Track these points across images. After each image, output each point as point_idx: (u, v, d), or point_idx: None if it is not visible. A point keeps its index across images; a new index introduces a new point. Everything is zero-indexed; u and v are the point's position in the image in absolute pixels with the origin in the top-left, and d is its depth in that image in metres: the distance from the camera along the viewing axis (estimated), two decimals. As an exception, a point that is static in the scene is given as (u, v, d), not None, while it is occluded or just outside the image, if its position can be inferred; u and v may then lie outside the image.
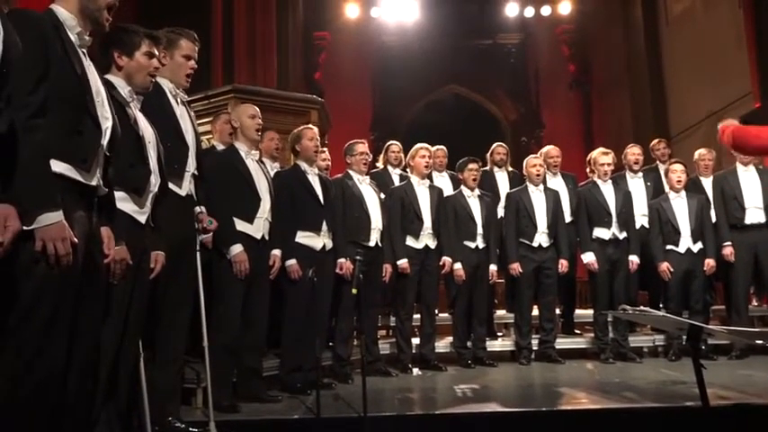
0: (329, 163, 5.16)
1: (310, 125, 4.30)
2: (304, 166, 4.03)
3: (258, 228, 3.54)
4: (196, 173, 3.00)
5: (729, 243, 4.99)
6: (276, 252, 3.67)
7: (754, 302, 5.69)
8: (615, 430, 3.07)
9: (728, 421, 2.98)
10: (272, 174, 4.04)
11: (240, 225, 3.47)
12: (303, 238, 3.91)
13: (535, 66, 14.27)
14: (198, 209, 3.02)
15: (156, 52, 2.59)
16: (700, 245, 4.97)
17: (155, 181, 2.55)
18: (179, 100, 3.00)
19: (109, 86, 2.30)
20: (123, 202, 2.38)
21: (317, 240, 3.96)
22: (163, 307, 2.82)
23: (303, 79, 12.26)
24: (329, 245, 4.05)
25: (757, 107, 7.65)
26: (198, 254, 3.00)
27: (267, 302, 3.64)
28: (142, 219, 2.49)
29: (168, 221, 2.72)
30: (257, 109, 3.72)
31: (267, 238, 3.59)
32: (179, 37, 2.99)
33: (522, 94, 14.28)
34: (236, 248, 3.39)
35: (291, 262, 3.79)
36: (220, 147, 3.99)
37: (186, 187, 2.94)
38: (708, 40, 9.65)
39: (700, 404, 2.25)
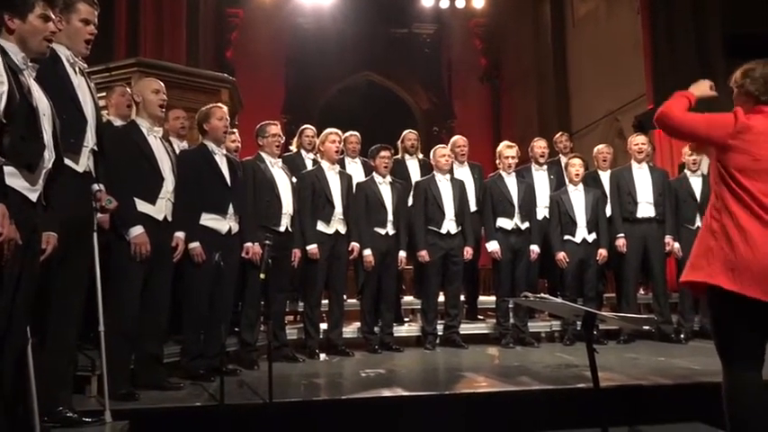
0: (239, 144, 5.03)
1: (220, 104, 4.15)
2: (211, 146, 3.90)
3: (160, 209, 3.40)
4: (96, 149, 2.83)
5: (622, 235, 5.30)
6: (179, 234, 3.54)
7: (641, 291, 6.09)
8: (513, 412, 3.20)
9: (616, 401, 3.18)
10: (178, 152, 3.89)
11: (141, 205, 3.31)
12: (208, 220, 3.79)
13: (448, 57, 14.55)
14: (96, 187, 2.85)
15: (52, 15, 2.40)
16: (594, 236, 5.25)
17: (48, 156, 2.37)
18: (77, 69, 2.80)
19: (0, 52, 2.11)
20: (13, 178, 2.18)
21: (223, 223, 3.85)
22: (55, 290, 2.65)
23: (214, 57, 11.86)
24: (235, 228, 3.94)
25: (650, 108, 8.14)
26: (95, 235, 2.84)
27: (168, 286, 3.51)
28: (33, 197, 2.30)
29: (63, 200, 2.54)
30: (162, 84, 3.55)
31: (170, 219, 3.45)
32: (76, -1, 2.79)
33: (434, 85, 14.52)
34: (137, 230, 3.24)
35: (195, 245, 3.66)
36: (118, 122, 3.76)
37: (84, 163, 2.76)
38: (608, 42, 10.18)
39: (591, 386, 2.38)
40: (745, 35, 6.61)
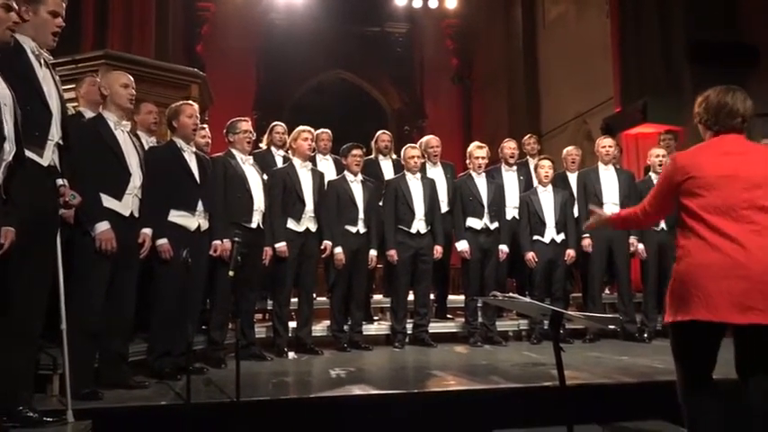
0: (209, 140, 4.97)
1: (190, 101, 4.09)
2: (180, 142, 3.84)
3: (127, 204, 3.34)
4: (61, 143, 2.76)
5: (588, 235, 5.39)
6: (146, 231, 3.48)
7: (606, 291, 6.20)
8: (481, 410, 3.23)
9: (581, 398, 3.22)
10: (147, 148, 3.83)
11: (107, 201, 3.25)
12: (176, 217, 3.73)
13: (420, 57, 14.60)
14: (60, 182, 2.78)
15: (15, 5, 2.34)
16: (563, 236, 5.33)
17: (9, 149, 2.31)
18: (42, 61, 2.73)
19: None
20: (-29, 171, 2.14)
21: (192, 220, 3.80)
22: (17, 287, 2.58)
23: (183, 51, 11.69)
24: (205, 225, 3.90)
25: (618, 111, 8.29)
26: (58, 230, 2.78)
27: (135, 284, 3.45)
28: (-8, 189, 2.25)
29: (25, 194, 2.48)
30: (131, 78, 3.49)
31: (137, 215, 3.39)
32: (44, -10, 2.72)
33: (406, 84, 14.55)
34: (102, 226, 3.17)
35: (163, 241, 3.61)
36: (89, 114, 3.69)
37: (48, 157, 2.70)
38: (578, 46, 10.34)
39: (558, 384, 2.41)
40: (708, 42, 6.77)
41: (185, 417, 2.81)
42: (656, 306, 5.35)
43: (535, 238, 5.31)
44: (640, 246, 5.39)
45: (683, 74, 7.20)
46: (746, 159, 2.31)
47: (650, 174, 5.64)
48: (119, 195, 3.30)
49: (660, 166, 5.53)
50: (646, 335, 5.37)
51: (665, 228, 5.30)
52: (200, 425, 2.89)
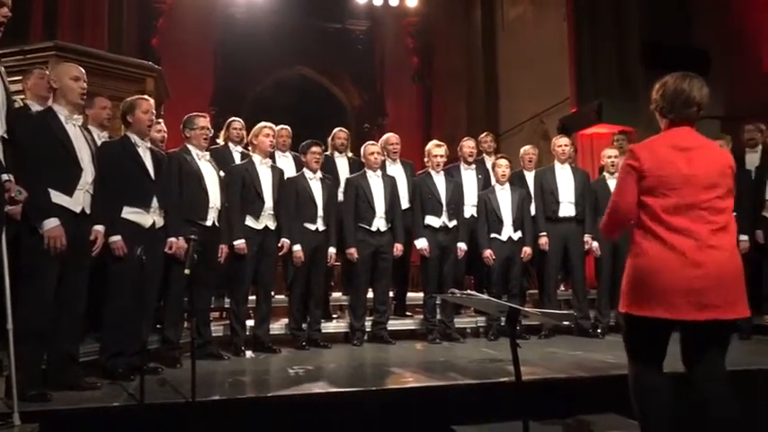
0: (165, 135, 4.88)
1: (146, 96, 4.00)
2: (135, 138, 3.75)
3: (77, 200, 3.24)
4: (6, 136, 2.66)
5: (545, 233, 5.49)
6: (99, 228, 3.39)
7: (562, 288, 6.32)
8: (439, 406, 3.25)
9: (537, 393, 3.28)
10: (99, 143, 3.72)
11: (57, 197, 3.15)
12: (130, 214, 3.65)
13: (381, 54, 14.58)
14: (5, 177, 2.68)
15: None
16: (519, 234, 5.41)
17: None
18: (-14, 52, 2.63)
19: None
20: None
21: (146, 217, 3.72)
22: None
23: (138, 44, 11.39)
24: (159, 222, 3.82)
25: (573, 112, 8.46)
26: (4, 227, 2.68)
27: (86, 282, 3.35)
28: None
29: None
30: (82, 70, 3.39)
31: (88, 212, 3.30)
32: (-13, -22, 2.62)
33: (367, 82, 14.52)
34: (51, 222, 3.07)
35: (116, 238, 3.52)
36: (36, 107, 3.56)
37: (-8, 152, 2.60)
38: (536, 47, 10.50)
39: (514, 379, 2.44)
40: (661, 45, 6.96)
41: (139, 418, 2.75)
42: (610, 302, 5.49)
43: (492, 236, 5.38)
44: (595, 244, 5.51)
45: (636, 76, 7.39)
46: (702, 158, 2.35)
47: (604, 173, 5.77)
48: (69, 191, 3.20)
49: (613, 166, 5.66)
50: (599, 330, 5.50)
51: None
52: (155, 426, 2.84)
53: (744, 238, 5.00)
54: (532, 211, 5.58)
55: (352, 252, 5.07)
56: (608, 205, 2.51)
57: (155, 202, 3.75)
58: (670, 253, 2.28)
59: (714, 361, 2.38)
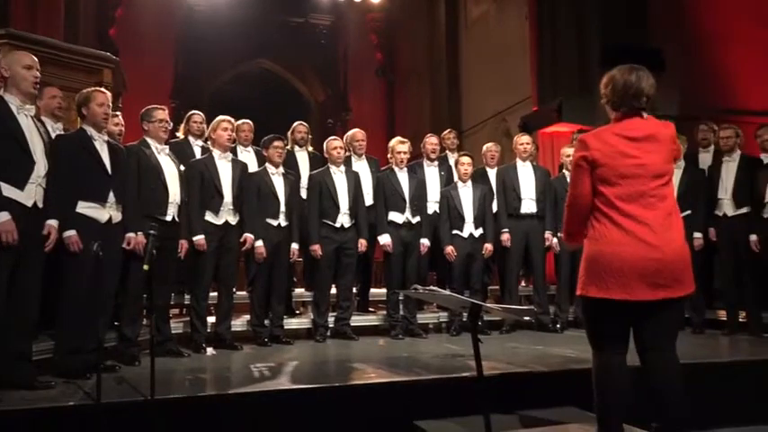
0: (122, 128, 4.76)
1: (102, 88, 3.89)
2: (91, 131, 3.65)
3: (30, 194, 3.14)
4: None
5: (506, 230, 5.56)
6: (52, 222, 3.29)
7: (522, 283, 6.41)
8: (402, 401, 3.27)
9: (498, 388, 3.32)
10: (53, 135, 3.61)
11: (7, 190, 3.05)
12: (86, 208, 3.55)
13: (344, 50, 14.52)
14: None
15: None
16: (481, 230, 5.46)
17: None
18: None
19: None
20: None
21: (103, 212, 3.62)
22: None
23: (95, 34, 11.09)
24: (117, 217, 3.72)
25: (534, 110, 8.57)
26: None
27: (39, 278, 3.25)
28: None
29: None
30: (35, 59, 3.28)
31: (40, 206, 3.20)
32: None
33: (330, 77, 14.45)
34: (2, 217, 2.97)
35: (71, 233, 3.42)
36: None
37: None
38: (498, 46, 10.60)
39: (475, 374, 2.47)
40: (619, 45, 7.10)
41: (95, 418, 2.69)
42: (569, 298, 5.59)
43: (454, 232, 5.42)
44: (555, 240, 5.61)
45: (595, 76, 7.50)
46: (650, 147, 2.44)
47: (564, 171, 5.87)
48: (21, 184, 3.10)
49: (572, 164, 5.76)
50: (559, 325, 5.60)
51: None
52: (112, 426, 2.77)
53: (698, 235, 5.16)
54: (494, 208, 5.64)
55: (316, 249, 5.04)
56: (566, 203, 2.57)
57: (111, 197, 3.66)
58: (627, 237, 2.38)
59: (666, 348, 2.47)
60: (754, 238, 5.00)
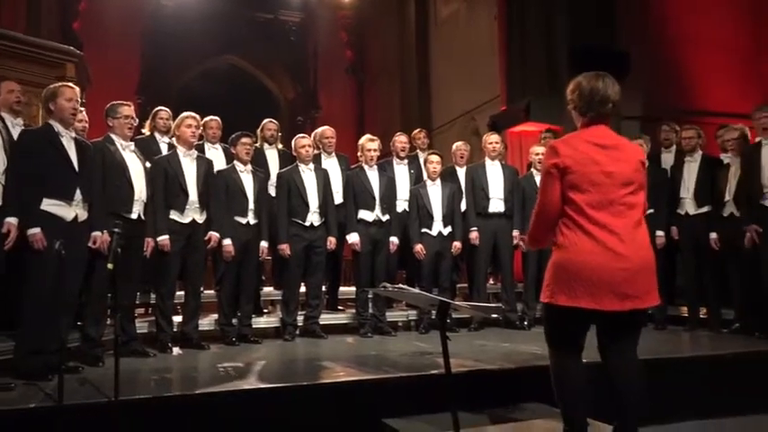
0: (86, 124, 4.66)
1: (70, 83, 3.81)
2: (58, 127, 3.57)
3: (-13, 192, 3.06)
4: None
5: (475, 228, 5.60)
6: (11, 220, 3.21)
7: (491, 281, 6.47)
8: (371, 399, 3.27)
9: (466, 385, 3.35)
10: (13, 131, 3.51)
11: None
12: (51, 206, 3.47)
13: (314, 47, 14.46)
14: None
15: None
16: (450, 229, 5.49)
17: None
18: None
19: None
20: None
21: (68, 210, 3.54)
22: None
23: (58, 27, 10.84)
24: (83, 216, 3.65)
25: (503, 110, 8.65)
26: None
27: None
28: None
29: None
30: (-6, 53, 3.19)
31: (0, 203, 3.11)
32: None
33: (300, 74, 14.38)
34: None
35: (34, 231, 3.35)
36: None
37: None
38: (467, 45, 10.67)
39: (443, 371, 2.48)
40: (586, 47, 7.22)
41: (57, 419, 2.63)
42: (536, 296, 5.65)
43: (423, 230, 5.44)
44: (523, 239, 5.67)
45: (563, 76, 7.62)
46: (620, 156, 2.47)
47: (532, 170, 5.94)
48: (-22, 181, 3.02)
49: (540, 163, 5.83)
50: (526, 322, 5.67)
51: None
52: (75, 427, 2.72)
53: (660, 233, 5.27)
54: (463, 207, 5.67)
55: (285, 248, 5.01)
56: (534, 209, 2.57)
57: (78, 195, 3.59)
58: (596, 246, 2.39)
59: (628, 350, 2.52)
60: (714, 236, 5.12)
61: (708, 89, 7.46)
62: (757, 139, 4.86)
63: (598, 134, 2.51)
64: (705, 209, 5.24)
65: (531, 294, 5.71)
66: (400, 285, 3.45)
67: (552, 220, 2.49)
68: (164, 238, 4.39)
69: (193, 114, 4.78)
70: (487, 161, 5.79)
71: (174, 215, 4.50)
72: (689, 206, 5.32)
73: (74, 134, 3.69)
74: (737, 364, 3.95)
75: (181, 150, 4.64)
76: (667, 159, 5.85)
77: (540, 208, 2.53)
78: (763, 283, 4.68)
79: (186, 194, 4.53)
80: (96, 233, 3.76)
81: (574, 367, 2.52)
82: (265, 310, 5.86)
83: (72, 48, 4.89)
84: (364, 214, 5.29)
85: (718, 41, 7.58)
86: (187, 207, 4.54)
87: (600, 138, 2.50)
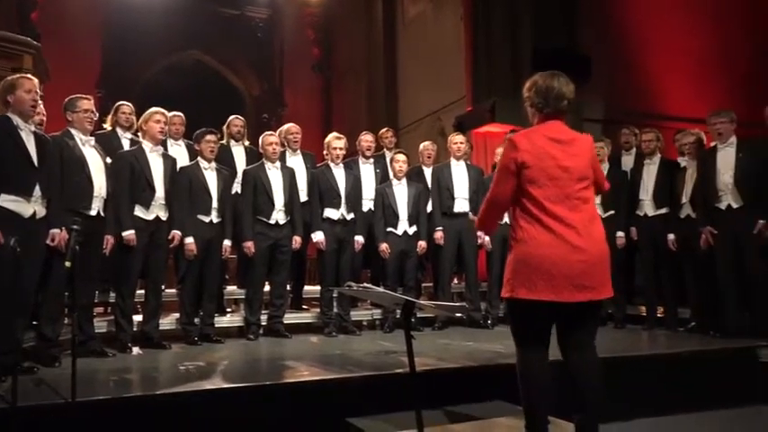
0: (44, 118, 4.52)
1: (29, 75, 3.70)
2: (17, 120, 3.47)
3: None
4: None
5: (440, 228, 5.63)
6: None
7: (455, 280, 6.52)
8: (335, 399, 3.26)
9: (430, 384, 3.36)
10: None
11: None
12: (8, 202, 3.38)
13: (281, 44, 14.34)
14: None
15: None
16: (415, 228, 5.51)
17: None
18: None
19: None
20: None
21: (27, 206, 3.45)
22: None
23: (16, 18, 10.51)
24: (41, 212, 3.55)
25: (469, 110, 8.72)
26: None
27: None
28: None
29: None
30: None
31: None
32: None
33: (266, 71, 14.25)
34: None
35: (-10, 227, 3.24)
36: None
37: None
38: (434, 45, 10.73)
39: (408, 370, 2.49)
40: (550, 50, 7.33)
41: (11, 422, 2.55)
42: (499, 295, 5.71)
43: (389, 229, 5.45)
44: (487, 238, 5.72)
45: (527, 78, 7.73)
46: (575, 150, 2.56)
47: (497, 170, 5.99)
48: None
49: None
50: (489, 321, 5.73)
51: (507, 222, 5.66)
52: (30, 430, 2.64)
53: (620, 234, 5.39)
54: (429, 206, 5.70)
55: (250, 246, 4.97)
56: (486, 197, 2.66)
57: (37, 191, 3.50)
58: (555, 239, 2.46)
59: (587, 344, 2.58)
60: (671, 237, 5.25)
61: (667, 93, 7.64)
62: (712, 144, 5.00)
63: (555, 129, 2.60)
64: (663, 210, 5.36)
65: (495, 294, 5.77)
66: (365, 284, 3.45)
67: (503, 210, 2.67)
68: (129, 233, 4.31)
69: (162, 110, 4.70)
70: (453, 161, 5.83)
71: (138, 211, 4.42)
72: (648, 208, 5.44)
73: (33, 128, 3.59)
74: (693, 362, 4.06)
75: (147, 146, 4.55)
76: (627, 162, 5.97)
77: (491, 197, 2.64)
78: (717, 284, 4.82)
79: (153, 190, 4.46)
80: (55, 230, 3.67)
81: (539, 365, 2.57)
82: (228, 310, 5.79)
83: (29, 39, 4.74)
84: (330, 213, 5.27)
85: (677, 47, 7.77)
86: (153, 203, 4.46)
87: (556, 133, 2.58)
